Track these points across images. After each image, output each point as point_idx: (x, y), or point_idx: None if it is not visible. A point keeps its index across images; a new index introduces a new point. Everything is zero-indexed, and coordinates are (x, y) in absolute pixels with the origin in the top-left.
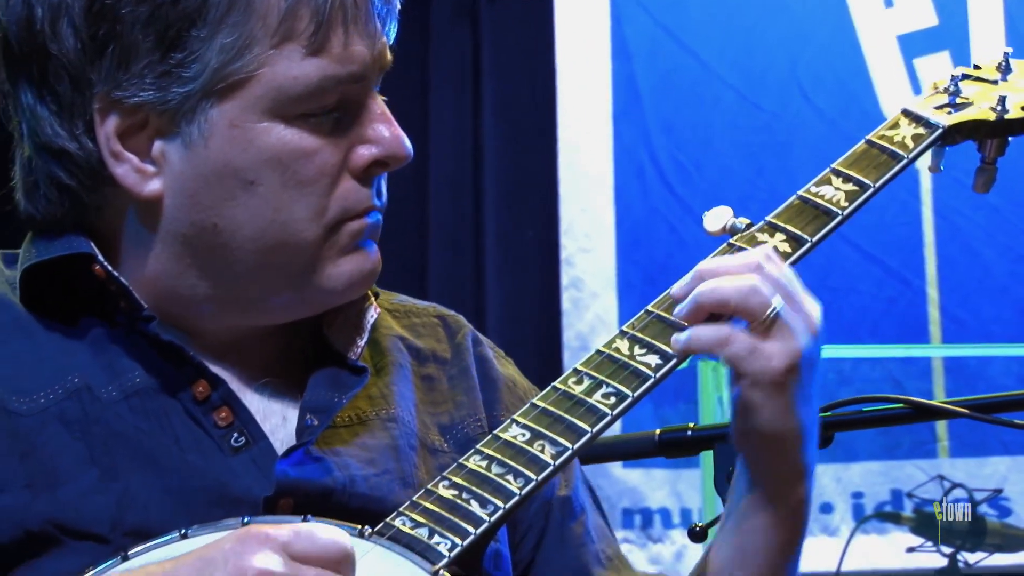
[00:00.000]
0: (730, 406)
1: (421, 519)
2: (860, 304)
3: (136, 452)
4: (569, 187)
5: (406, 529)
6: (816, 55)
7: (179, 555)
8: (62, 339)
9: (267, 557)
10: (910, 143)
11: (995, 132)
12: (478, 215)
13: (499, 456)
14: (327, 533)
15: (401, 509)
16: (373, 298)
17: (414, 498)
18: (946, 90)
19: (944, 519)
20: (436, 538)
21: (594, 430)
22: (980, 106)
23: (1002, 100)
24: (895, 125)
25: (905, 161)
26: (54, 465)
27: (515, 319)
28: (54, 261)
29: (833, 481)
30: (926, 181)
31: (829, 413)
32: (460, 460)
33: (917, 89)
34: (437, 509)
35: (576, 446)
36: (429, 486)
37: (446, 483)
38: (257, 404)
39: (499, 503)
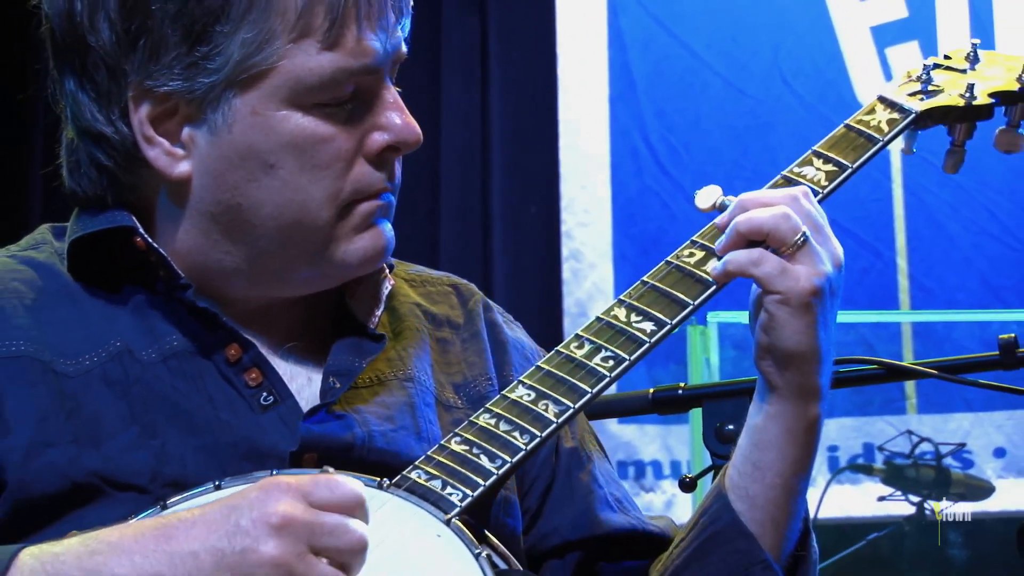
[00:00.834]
0: (754, 326)
1: (435, 472)
2: None
3: (173, 410)
4: (569, 166)
5: (421, 481)
6: (796, 45)
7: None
8: (106, 305)
9: (289, 504)
10: (885, 127)
11: (964, 117)
12: (486, 191)
13: (507, 414)
14: (344, 482)
15: (416, 463)
16: (388, 271)
17: (428, 452)
18: (918, 78)
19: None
20: (448, 489)
21: (594, 390)
22: (950, 93)
23: (970, 88)
24: (871, 111)
25: (880, 144)
26: (98, 422)
27: (519, 287)
28: (98, 234)
29: None
30: (896, 161)
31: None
32: (471, 418)
33: (889, 76)
34: (449, 463)
35: (577, 405)
36: (442, 442)
37: (458, 439)
38: (284, 366)
39: (506, 457)
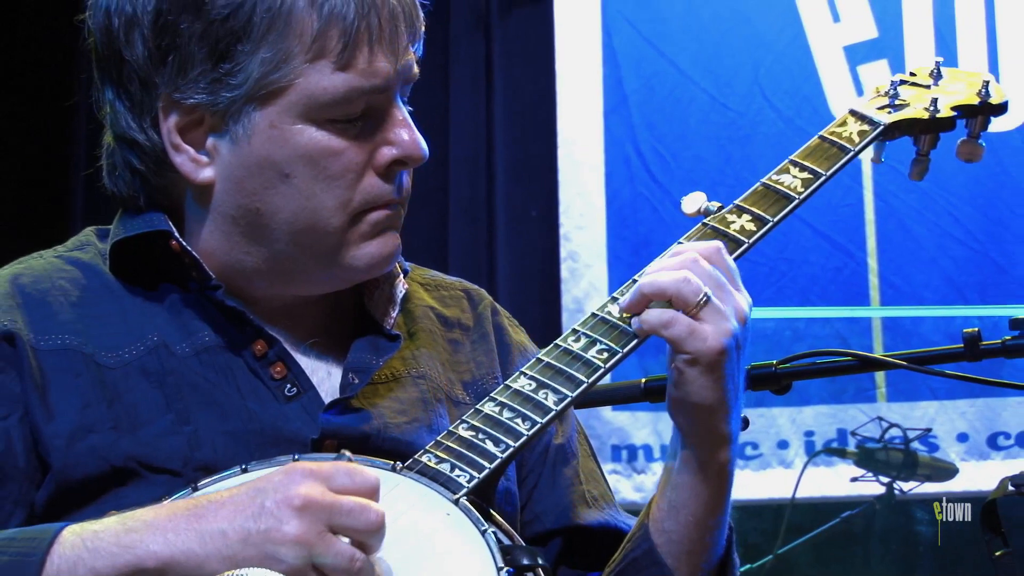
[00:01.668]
0: (668, 382)
1: (444, 456)
2: (811, 273)
3: (205, 400)
4: (567, 174)
5: (431, 464)
6: (775, 63)
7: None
8: (144, 302)
9: (310, 486)
10: (856, 138)
11: (928, 129)
12: (490, 196)
13: (510, 403)
14: (362, 470)
15: (427, 447)
16: (402, 275)
17: (438, 438)
18: (887, 93)
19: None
20: (457, 471)
21: (590, 380)
22: (916, 107)
23: (934, 102)
24: (844, 123)
25: (852, 153)
26: (136, 410)
27: (521, 285)
28: (137, 237)
29: (789, 422)
30: (867, 169)
31: (787, 364)
32: (476, 406)
33: (860, 92)
34: (457, 447)
35: (575, 393)
36: (450, 428)
37: (465, 426)
38: (306, 361)
39: (510, 442)
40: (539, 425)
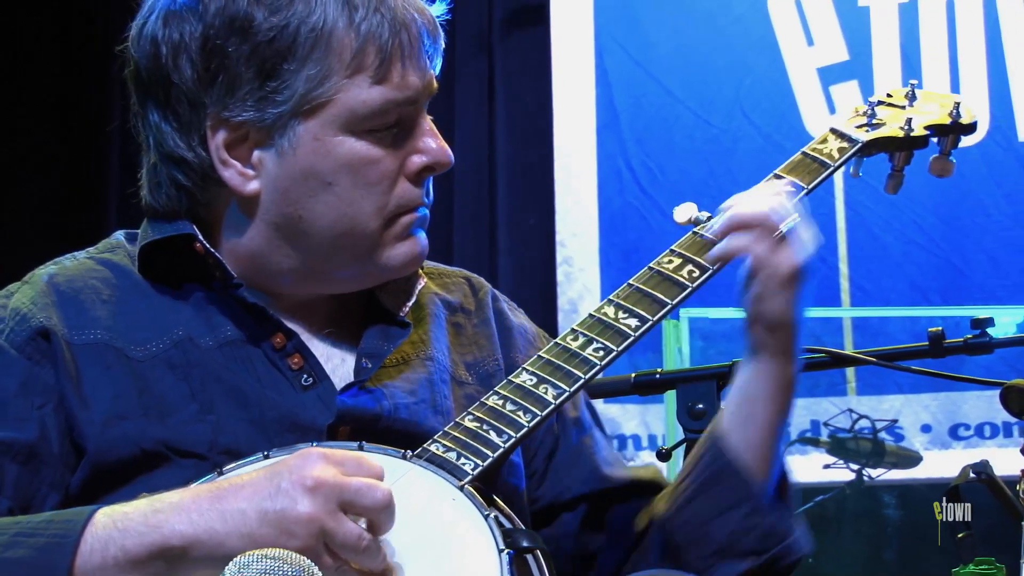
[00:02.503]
0: (746, 302)
1: (451, 445)
2: None
3: (228, 389)
4: (562, 184)
5: (439, 452)
6: (754, 84)
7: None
8: (170, 300)
9: (322, 468)
10: (836, 154)
11: (903, 146)
12: (492, 204)
13: (512, 396)
14: (369, 459)
15: (435, 437)
16: (420, 270)
17: (446, 428)
18: (865, 113)
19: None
20: (462, 460)
21: (586, 376)
22: (892, 126)
23: (909, 121)
24: (824, 140)
25: (832, 168)
26: (163, 399)
27: (520, 287)
28: (165, 240)
29: None
30: (839, 181)
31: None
32: (482, 399)
33: (833, 110)
34: (463, 437)
35: (572, 389)
36: (457, 419)
37: (470, 417)
38: (321, 350)
39: (512, 433)
40: (539, 418)
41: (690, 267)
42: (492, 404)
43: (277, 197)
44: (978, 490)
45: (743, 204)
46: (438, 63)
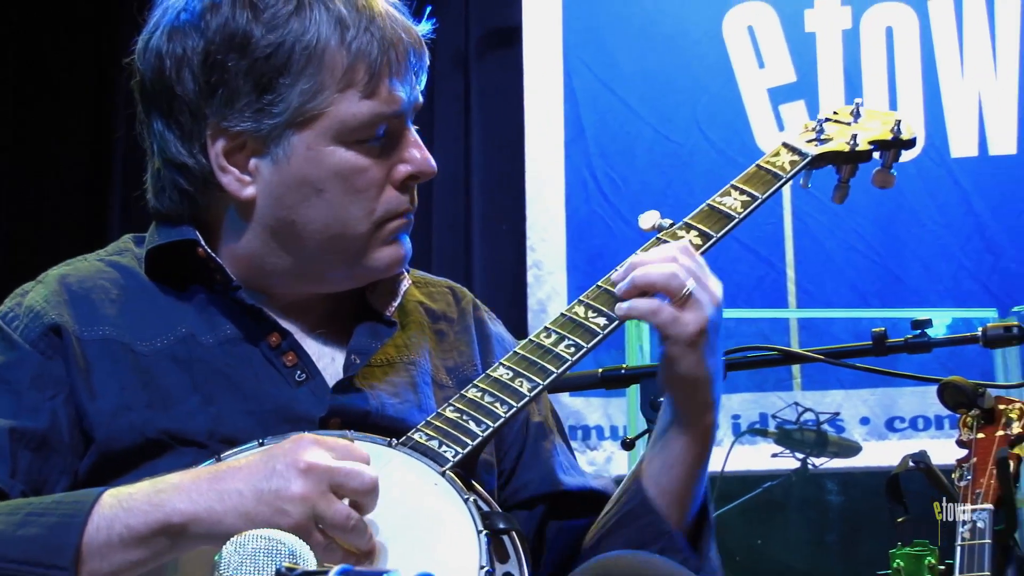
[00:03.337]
0: (659, 360)
1: (433, 433)
2: (738, 280)
3: (227, 383)
4: (533, 194)
5: (422, 441)
6: (710, 102)
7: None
8: (174, 300)
9: (314, 452)
10: (788, 167)
11: (849, 160)
12: (468, 212)
13: (490, 389)
14: (357, 447)
15: (418, 426)
16: (406, 273)
17: (428, 418)
18: (814, 129)
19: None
20: (444, 447)
21: (558, 371)
22: (838, 141)
23: (854, 137)
24: (777, 153)
25: (784, 180)
26: (167, 391)
27: (493, 288)
28: (170, 244)
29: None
30: (787, 192)
31: (724, 357)
32: (461, 391)
33: (782, 127)
34: (444, 427)
35: (545, 382)
36: (439, 410)
37: (451, 408)
38: (314, 348)
39: (489, 423)
40: (514, 409)
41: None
42: (472, 396)
43: (272, 202)
44: (916, 478)
45: (646, 266)
46: (423, 79)
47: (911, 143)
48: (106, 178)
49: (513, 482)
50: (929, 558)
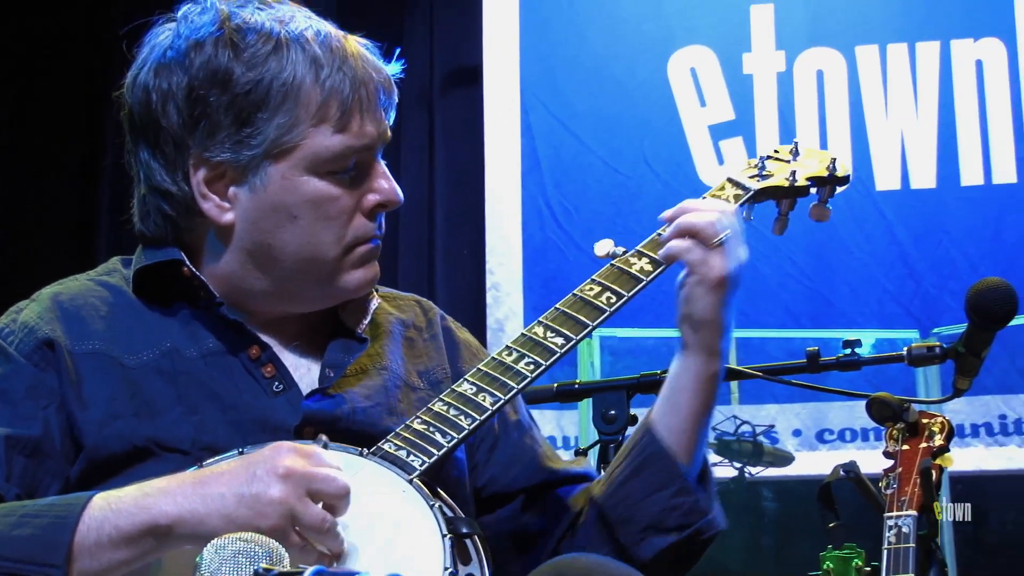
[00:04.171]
0: (678, 301)
1: (401, 444)
2: None
3: (209, 394)
4: (492, 221)
5: (391, 451)
6: (655, 138)
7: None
8: (160, 316)
9: (292, 459)
10: (732, 200)
11: (788, 195)
12: (431, 238)
13: (455, 403)
14: (328, 457)
15: (388, 437)
16: (375, 292)
17: (398, 429)
18: (756, 166)
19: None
20: (411, 457)
21: (519, 386)
22: (779, 177)
23: (793, 173)
24: (723, 187)
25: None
26: (153, 402)
27: (454, 308)
28: (156, 265)
29: None
30: None
31: (666, 373)
32: (428, 404)
33: (722, 161)
34: (412, 437)
35: (506, 397)
36: (407, 422)
37: (419, 420)
38: (291, 360)
39: (454, 434)
40: (477, 422)
41: (608, 294)
42: (437, 409)
43: (249, 227)
44: (846, 486)
45: (691, 212)
46: (392, 115)
47: (845, 180)
48: (93, 204)
49: (496, 477)
50: (856, 560)
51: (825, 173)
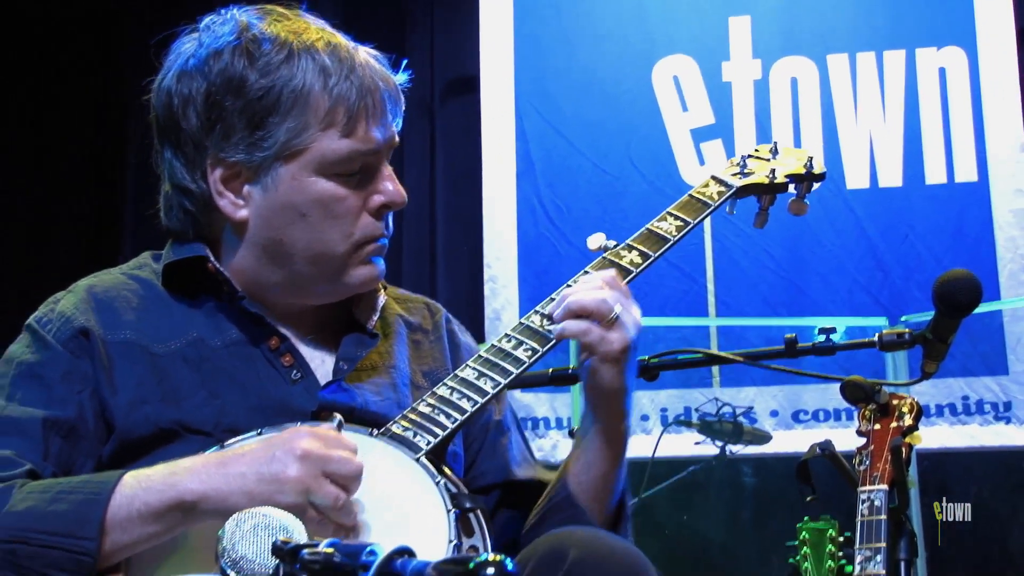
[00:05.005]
0: (583, 374)
1: (409, 425)
2: (666, 293)
3: (231, 380)
4: (489, 219)
5: (399, 431)
6: (641, 140)
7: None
8: (186, 308)
9: (309, 441)
10: (716, 196)
11: (768, 191)
12: (432, 235)
13: (458, 387)
14: (345, 439)
15: (396, 418)
16: (383, 290)
17: (405, 412)
18: (738, 164)
19: (718, 424)
20: (418, 437)
21: (517, 371)
22: (759, 175)
23: (772, 171)
24: (707, 185)
25: (713, 207)
26: (179, 387)
27: (455, 300)
28: (183, 260)
29: (649, 401)
30: (708, 219)
31: (658, 359)
32: (433, 388)
33: (703, 162)
34: (419, 419)
35: (505, 381)
36: (414, 404)
37: (425, 403)
38: (306, 352)
39: (457, 415)
40: (479, 404)
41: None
42: (442, 393)
43: (262, 223)
44: (823, 463)
45: (579, 292)
46: (399, 121)
47: (822, 176)
48: (117, 200)
49: (474, 470)
50: (831, 531)
51: (803, 170)
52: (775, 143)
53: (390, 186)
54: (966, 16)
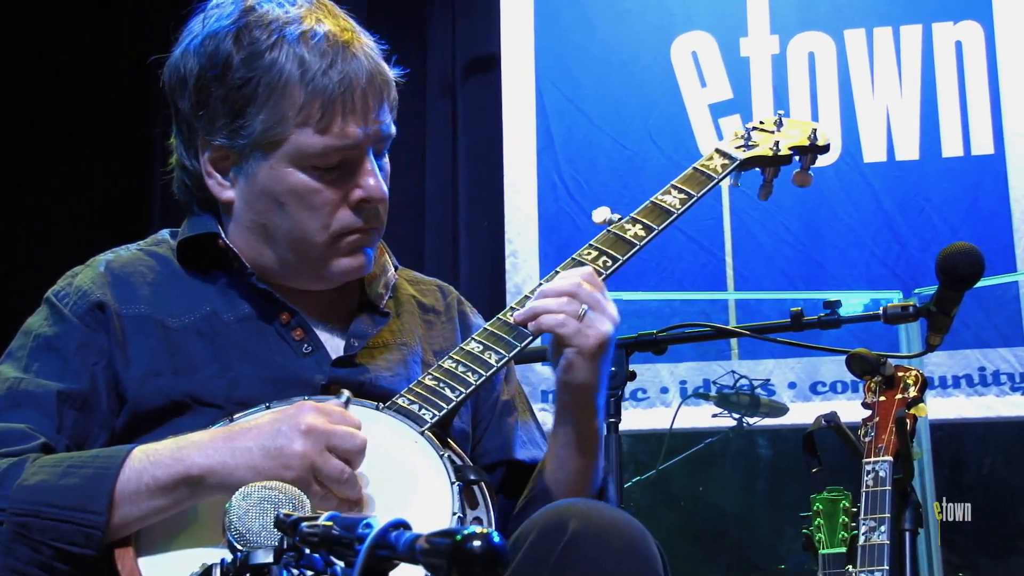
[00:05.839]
0: (556, 369)
1: (414, 398)
2: (684, 267)
3: (243, 354)
4: (510, 195)
5: (404, 405)
6: (660, 116)
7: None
8: (200, 283)
9: (314, 416)
10: (720, 169)
11: (772, 163)
12: (455, 212)
13: (463, 360)
14: (350, 414)
15: (402, 392)
16: (394, 270)
17: (410, 385)
18: (743, 137)
19: (738, 399)
20: (423, 410)
21: (521, 344)
22: (763, 147)
23: (776, 143)
24: (711, 157)
25: (716, 180)
26: (192, 360)
27: (477, 275)
28: (196, 237)
29: (668, 373)
30: (725, 191)
31: (666, 333)
32: (439, 362)
33: (721, 137)
34: (424, 392)
35: (510, 354)
36: (419, 378)
37: (430, 376)
38: (318, 328)
39: (462, 389)
40: (484, 377)
41: (604, 258)
42: (447, 367)
43: (246, 206)
44: (828, 434)
45: (546, 298)
46: (387, 115)
47: (826, 148)
48: (146, 173)
49: (479, 448)
50: (844, 502)
51: (807, 142)
52: (780, 115)
53: (371, 181)
54: None
